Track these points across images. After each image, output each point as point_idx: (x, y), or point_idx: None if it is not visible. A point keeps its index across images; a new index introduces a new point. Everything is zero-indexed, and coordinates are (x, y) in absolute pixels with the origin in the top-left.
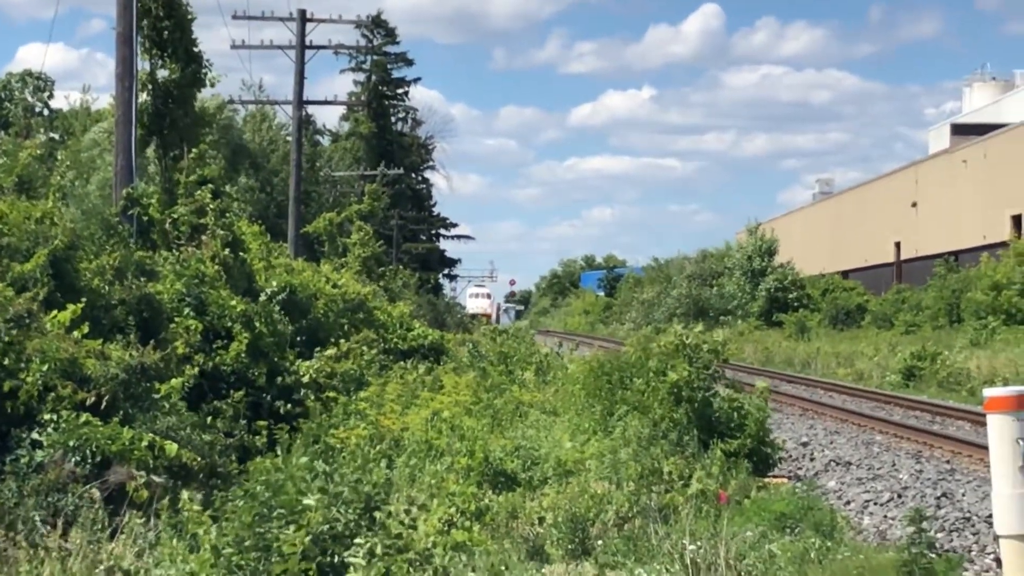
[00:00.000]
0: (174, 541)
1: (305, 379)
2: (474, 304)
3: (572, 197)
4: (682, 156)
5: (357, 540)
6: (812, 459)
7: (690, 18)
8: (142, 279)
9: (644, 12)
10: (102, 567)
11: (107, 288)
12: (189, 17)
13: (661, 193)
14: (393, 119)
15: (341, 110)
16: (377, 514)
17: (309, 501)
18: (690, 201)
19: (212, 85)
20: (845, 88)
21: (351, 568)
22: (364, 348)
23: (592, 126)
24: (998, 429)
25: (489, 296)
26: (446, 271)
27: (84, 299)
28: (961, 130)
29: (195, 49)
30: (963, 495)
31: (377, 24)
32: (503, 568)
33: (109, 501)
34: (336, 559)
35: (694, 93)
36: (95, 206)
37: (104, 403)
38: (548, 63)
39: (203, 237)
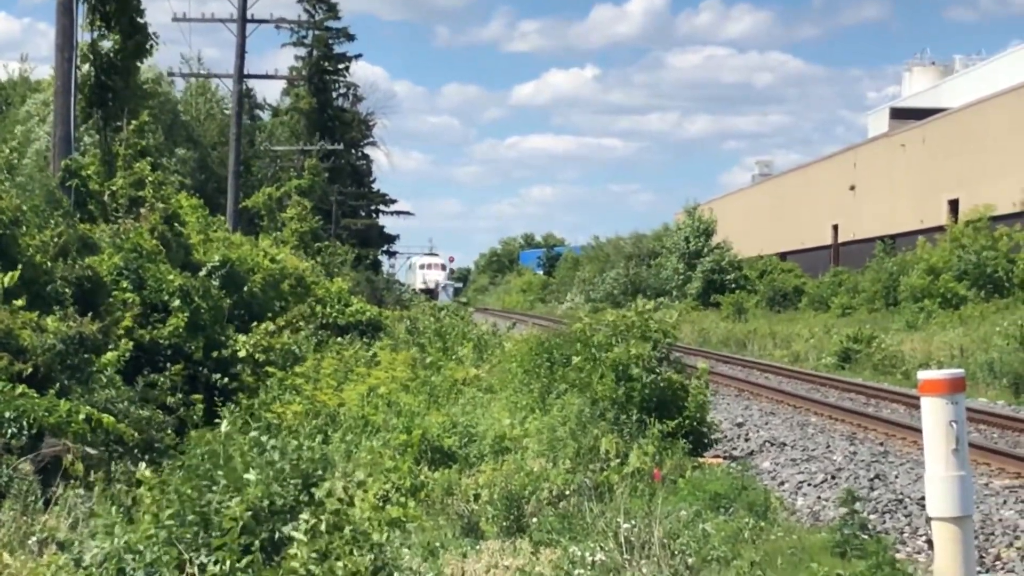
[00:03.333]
0: (113, 511)
1: (242, 353)
2: (425, 277)
3: (513, 175)
4: (624, 136)
5: (303, 516)
6: (747, 439)
7: None
8: (83, 254)
9: None
10: (34, 539)
11: (49, 264)
12: None
13: (602, 173)
14: (334, 94)
15: (282, 84)
16: (315, 490)
17: (250, 476)
18: (631, 181)
19: (151, 55)
20: (788, 71)
21: (292, 543)
22: (301, 323)
23: (534, 105)
24: (932, 412)
25: (444, 268)
26: (385, 247)
27: (20, 268)
28: (900, 114)
29: (140, 20)
30: (896, 477)
31: None
32: (438, 544)
33: (43, 473)
34: (276, 534)
35: (637, 73)
36: (32, 177)
37: (40, 374)
38: (491, 41)
39: (142, 210)
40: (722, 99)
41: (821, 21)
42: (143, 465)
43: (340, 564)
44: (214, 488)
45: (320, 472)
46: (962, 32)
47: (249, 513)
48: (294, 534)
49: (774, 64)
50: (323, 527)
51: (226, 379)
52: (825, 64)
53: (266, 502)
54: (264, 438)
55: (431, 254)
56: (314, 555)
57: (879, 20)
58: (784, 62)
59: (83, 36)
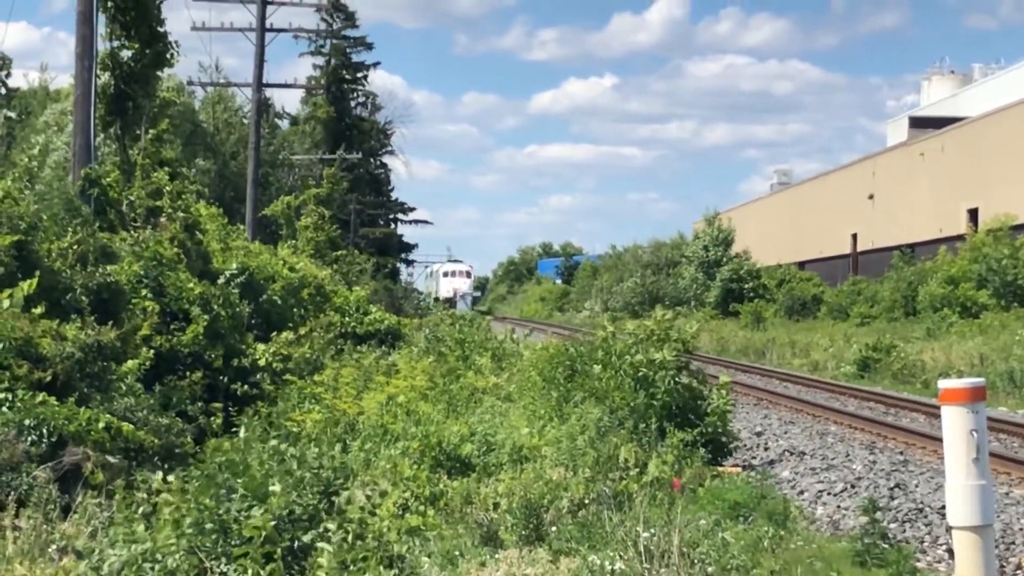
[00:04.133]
0: (132, 521)
1: (261, 362)
2: (449, 285)
3: (531, 184)
4: (643, 145)
5: (329, 525)
6: (766, 449)
7: (654, 7)
8: (103, 262)
9: (608, 0)
10: (54, 547)
11: (68, 272)
12: None
13: (621, 181)
14: (352, 103)
15: (300, 94)
16: (336, 499)
17: (275, 488)
18: (650, 190)
19: (171, 66)
20: (807, 79)
21: (316, 551)
22: (320, 331)
23: (553, 113)
24: (952, 421)
25: (468, 275)
26: (403, 256)
27: (41, 277)
28: (919, 123)
29: (160, 29)
30: (916, 486)
31: (337, 8)
32: (457, 553)
33: (63, 481)
34: (296, 543)
35: (656, 82)
36: (51, 186)
37: (60, 382)
38: (510, 49)
39: (161, 219)
40: (741, 107)
41: (840, 29)
42: (159, 474)
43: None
44: (233, 497)
45: (341, 480)
46: (982, 39)
47: (273, 523)
48: (321, 544)
49: (793, 72)
50: (350, 537)
51: (246, 387)
52: (844, 72)
53: (287, 511)
54: (284, 447)
55: (455, 260)
56: (336, 565)
57: (898, 28)
58: (803, 71)
59: (103, 45)
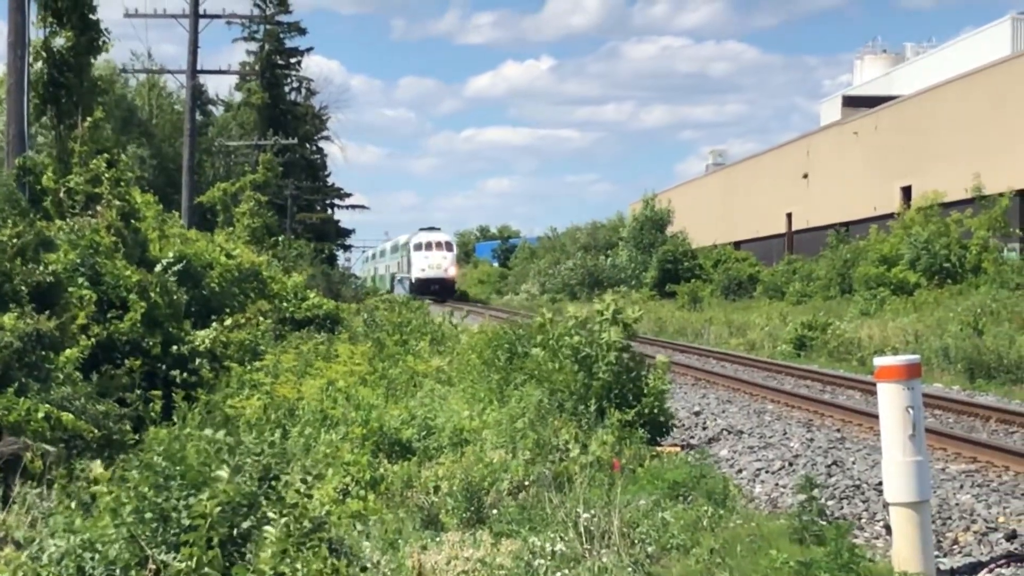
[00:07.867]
0: (72, 509)
1: (201, 349)
2: (424, 262)
3: (469, 168)
4: (580, 127)
5: (270, 514)
6: (705, 428)
7: None
8: (39, 252)
9: None
10: None
11: (8, 265)
12: None
13: (558, 164)
14: (287, 89)
15: (234, 80)
16: (275, 484)
17: (222, 473)
18: (587, 171)
19: (106, 51)
20: (744, 60)
21: (259, 541)
22: (259, 318)
23: (490, 97)
24: (888, 398)
25: (451, 247)
26: (341, 241)
27: None
28: (852, 102)
29: (92, 16)
30: (853, 463)
31: None
32: (398, 537)
33: (1, 472)
34: (235, 529)
35: (593, 64)
36: None
37: None
38: (446, 33)
39: (98, 207)
40: (678, 89)
41: (777, 10)
42: (98, 463)
43: (311, 556)
44: (172, 485)
45: (281, 466)
46: (915, 19)
47: (219, 509)
48: (267, 529)
49: (730, 53)
50: (287, 523)
51: (184, 375)
52: (781, 52)
53: (237, 498)
54: (221, 434)
55: (431, 229)
56: (279, 551)
57: (835, 8)
58: (740, 51)
59: (36, 33)
